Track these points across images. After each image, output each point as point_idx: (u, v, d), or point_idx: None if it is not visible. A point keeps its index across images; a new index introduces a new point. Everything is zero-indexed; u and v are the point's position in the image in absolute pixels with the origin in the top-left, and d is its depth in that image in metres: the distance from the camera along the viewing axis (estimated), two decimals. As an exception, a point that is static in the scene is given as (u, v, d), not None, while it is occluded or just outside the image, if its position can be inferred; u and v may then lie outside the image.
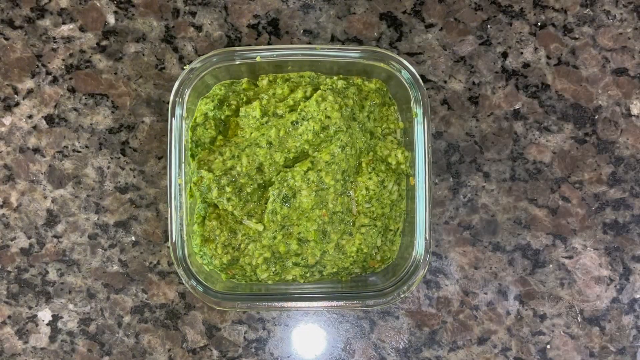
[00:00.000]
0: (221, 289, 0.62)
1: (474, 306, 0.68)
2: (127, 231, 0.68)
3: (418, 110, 0.61)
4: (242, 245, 0.62)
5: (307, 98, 0.62)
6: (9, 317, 0.67)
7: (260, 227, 0.62)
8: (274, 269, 0.63)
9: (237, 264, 0.63)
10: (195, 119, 0.63)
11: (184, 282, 0.61)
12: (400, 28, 0.69)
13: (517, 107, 0.69)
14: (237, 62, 0.61)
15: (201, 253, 0.63)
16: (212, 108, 0.63)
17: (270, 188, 0.61)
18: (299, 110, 0.61)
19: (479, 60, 0.69)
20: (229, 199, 0.61)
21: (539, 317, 0.68)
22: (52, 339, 0.68)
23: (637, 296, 0.69)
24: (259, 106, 0.62)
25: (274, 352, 0.68)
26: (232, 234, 0.62)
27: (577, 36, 0.69)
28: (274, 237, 0.62)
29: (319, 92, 0.61)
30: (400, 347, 0.68)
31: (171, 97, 0.60)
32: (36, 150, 0.68)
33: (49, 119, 0.68)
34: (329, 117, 0.60)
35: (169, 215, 0.60)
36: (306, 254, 0.63)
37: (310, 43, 0.68)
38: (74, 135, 0.68)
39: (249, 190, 0.61)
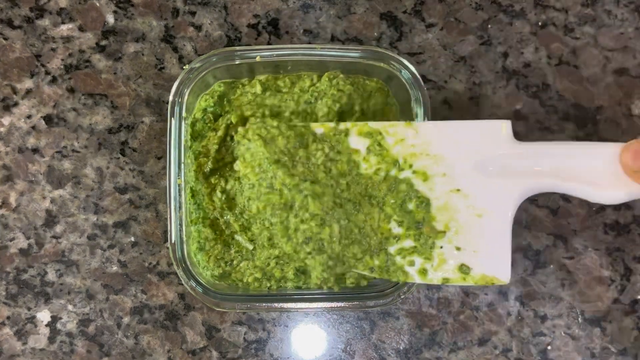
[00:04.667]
0: (221, 289, 0.62)
1: (475, 307, 0.68)
2: (126, 232, 0.67)
3: (418, 111, 0.61)
4: (235, 262, 0.62)
5: (313, 84, 0.62)
6: (8, 318, 0.67)
7: (250, 246, 0.61)
8: (268, 284, 0.62)
9: (229, 277, 0.62)
10: (194, 115, 0.63)
11: (183, 283, 0.61)
12: (401, 28, 0.69)
13: (517, 107, 0.68)
14: (237, 62, 0.61)
15: (197, 259, 0.62)
16: (212, 105, 0.62)
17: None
18: (310, 91, 0.62)
19: (480, 60, 0.68)
20: (219, 199, 0.61)
21: (540, 317, 0.68)
22: (51, 340, 0.67)
23: (639, 297, 0.68)
24: (258, 82, 0.62)
25: (273, 353, 0.68)
26: (227, 248, 0.62)
27: (578, 36, 0.69)
28: (267, 264, 0.61)
29: (328, 72, 0.62)
30: (401, 348, 0.68)
31: (170, 97, 0.60)
32: (35, 150, 0.67)
33: (48, 119, 0.68)
34: (341, 91, 0.61)
35: (169, 216, 0.60)
36: (307, 280, 0.62)
37: (310, 43, 0.68)
38: (73, 136, 0.68)
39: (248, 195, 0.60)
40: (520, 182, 0.55)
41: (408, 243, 0.57)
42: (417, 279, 0.57)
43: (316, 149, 0.58)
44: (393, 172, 0.57)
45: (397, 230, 0.57)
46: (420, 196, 0.56)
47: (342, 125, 0.58)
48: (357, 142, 0.58)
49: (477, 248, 0.56)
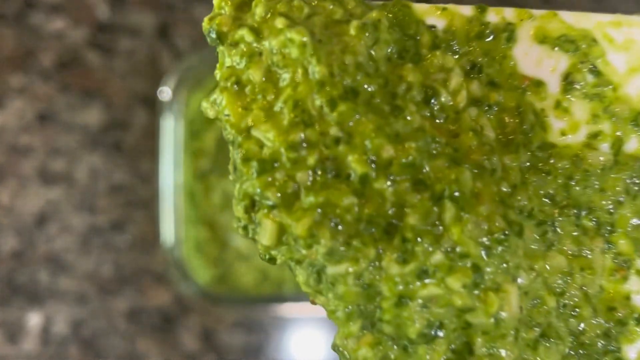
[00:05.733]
0: (218, 291, 0.61)
1: (478, 309, 0.67)
2: (121, 232, 0.67)
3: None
4: (233, 263, 0.61)
5: None
6: (0, 321, 0.66)
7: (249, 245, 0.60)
8: (267, 286, 0.61)
9: (226, 279, 0.62)
10: (190, 113, 0.62)
11: (179, 285, 0.60)
12: (402, 23, 0.68)
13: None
14: (233, 58, 0.60)
15: (193, 261, 0.62)
16: None
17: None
18: None
19: (483, 56, 0.68)
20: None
21: (545, 319, 0.67)
22: (43, 343, 0.66)
23: None
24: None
25: (272, 356, 0.67)
26: (223, 249, 0.61)
27: (583, 31, 0.68)
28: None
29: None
30: (402, 351, 0.67)
31: (166, 95, 0.59)
32: (27, 148, 0.67)
33: (41, 116, 0.67)
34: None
35: (164, 216, 0.59)
36: None
37: (309, 38, 0.67)
38: (66, 133, 0.67)
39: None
40: None
41: None
42: None
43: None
44: (633, 144, 0.25)
45: None
46: None
47: (492, 14, 0.26)
48: (537, 58, 0.26)
49: None
